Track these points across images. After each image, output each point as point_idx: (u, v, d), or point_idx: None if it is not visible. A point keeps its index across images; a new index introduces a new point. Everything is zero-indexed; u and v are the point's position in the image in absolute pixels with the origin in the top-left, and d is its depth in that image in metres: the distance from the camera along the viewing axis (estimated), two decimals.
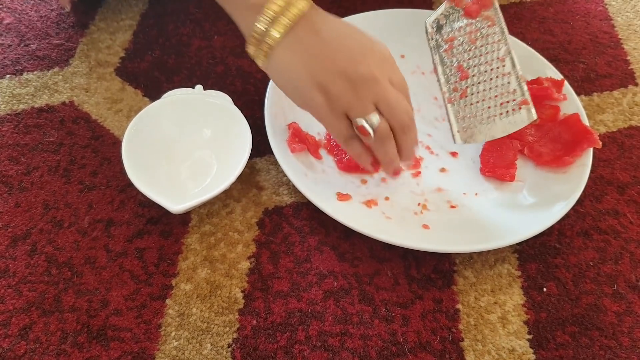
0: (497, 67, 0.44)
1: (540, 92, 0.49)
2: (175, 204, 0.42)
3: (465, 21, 0.46)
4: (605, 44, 0.61)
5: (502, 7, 0.64)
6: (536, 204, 0.45)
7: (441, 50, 0.47)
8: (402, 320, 0.41)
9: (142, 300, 0.41)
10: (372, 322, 0.40)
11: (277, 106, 0.50)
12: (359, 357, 0.39)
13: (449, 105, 0.45)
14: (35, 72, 0.56)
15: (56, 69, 0.56)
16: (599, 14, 0.65)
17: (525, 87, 0.43)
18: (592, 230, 0.46)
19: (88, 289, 0.42)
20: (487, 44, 0.45)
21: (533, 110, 0.43)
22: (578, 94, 0.54)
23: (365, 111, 0.39)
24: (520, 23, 0.63)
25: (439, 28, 0.47)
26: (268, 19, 0.38)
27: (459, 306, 0.42)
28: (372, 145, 0.41)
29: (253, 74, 0.57)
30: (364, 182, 0.47)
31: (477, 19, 0.45)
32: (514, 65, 0.44)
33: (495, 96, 0.44)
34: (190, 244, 0.44)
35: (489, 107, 0.44)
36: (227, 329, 0.40)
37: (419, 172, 0.48)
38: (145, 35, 0.60)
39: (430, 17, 0.48)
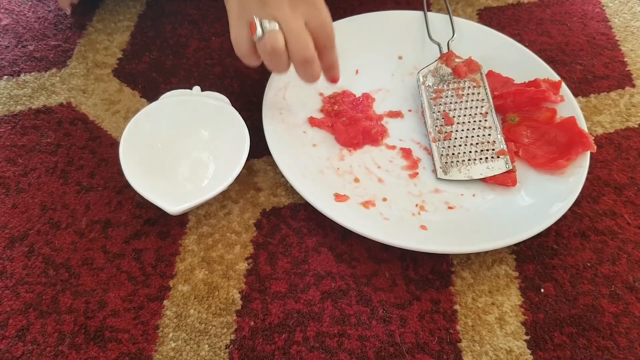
0: (480, 121, 0.49)
1: (538, 95, 0.49)
2: (173, 205, 0.42)
3: (453, 79, 0.51)
4: (603, 45, 0.62)
5: (499, 8, 0.65)
6: (533, 204, 0.45)
7: (429, 99, 0.51)
8: (400, 321, 0.41)
9: (140, 302, 0.41)
10: (369, 323, 0.40)
11: (274, 107, 0.50)
12: (356, 358, 0.39)
13: (433, 144, 0.49)
14: (32, 74, 0.56)
15: (53, 70, 0.56)
16: (596, 15, 0.65)
17: (503, 140, 0.48)
18: (590, 231, 0.46)
19: (85, 290, 0.42)
20: (472, 100, 0.50)
21: (509, 161, 0.47)
22: (575, 95, 0.54)
23: (265, 17, 0.41)
24: (517, 25, 0.63)
25: (430, 79, 0.52)
26: None
27: (457, 307, 0.42)
28: (260, 52, 0.42)
29: (251, 75, 0.57)
30: (356, 180, 0.47)
31: (464, 79, 0.50)
32: (494, 121, 0.49)
33: (477, 143, 0.48)
34: (187, 245, 0.44)
35: (469, 151, 0.48)
36: (225, 330, 0.40)
37: (417, 173, 0.48)
38: (142, 36, 0.60)
39: (422, 69, 0.52)
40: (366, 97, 0.53)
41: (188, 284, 0.42)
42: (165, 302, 0.41)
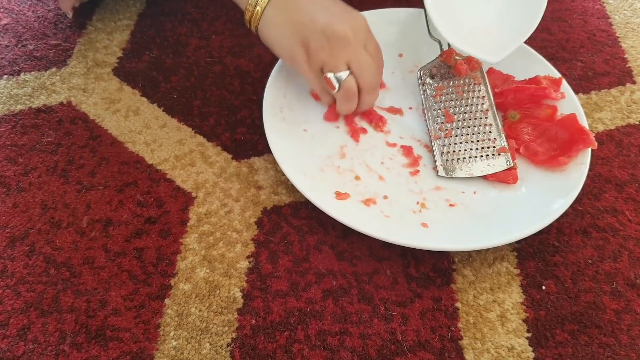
0: (480, 118, 0.49)
1: (539, 92, 0.49)
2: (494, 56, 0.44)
3: (454, 76, 0.51)
4: (603, 42, 0.61)
5: None
6: (535, 202, 0.45)
7: (430, 96, 0.51)
8: (402, 319, 0.41)
9: (141, 300, 0.41)
10: (371, 321, 0.40)
11: (275, 106, 0.50)
12: (358, 356, 0.39)
13: (434, 142, 0.49)
14: (32, 73, 0.56)
15: (53, 69, 0.56)
16: (597, 12, 0.65)
17: (504, 137, 0.48)
18: (591, 228, 0.46)
19: (86, 289, 0.42)
20: (473, 97, 0.50)
21: (510, 159, 0.47)
22: (576, 92, 0.54)
23: (336, 67, 0.45)
24: None
25: (430, 77, 0.52)
26: None
27: (458, 304, 0.42)
28: (337, 97, 0.47)
29: (251, 74, 0.56)
30: (357, 178, 0.47)
31: (465, 76, 0.50)
32: (495, 119, 0.49)
33: (477, 141, 0.48)
34: (188, 243, 0.44)
35: (470, 149, 0.48)
36: (226, 328, 0.40)
37: (418, 171, 0.48)
38: (142, 35, 0.60)
39: (422, 67, 0.52)
40: None
41: (189, 283, 0.42)
42: (167, 301, 0.41)
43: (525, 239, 0.45)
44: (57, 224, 0.45)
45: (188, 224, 0.45)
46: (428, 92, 0.51)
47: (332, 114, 0.51)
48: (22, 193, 0.47)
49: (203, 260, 0.43)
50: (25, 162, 0.49)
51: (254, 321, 0.40)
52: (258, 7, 0.45)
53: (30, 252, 0.44)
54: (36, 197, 0.47)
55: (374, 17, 0.56)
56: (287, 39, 0.45)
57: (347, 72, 0.45)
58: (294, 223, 0.46)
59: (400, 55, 0.56)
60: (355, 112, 0.50)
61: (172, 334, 0.40)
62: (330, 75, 0.45)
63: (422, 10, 0.57)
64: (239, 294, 0.42)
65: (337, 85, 0.45)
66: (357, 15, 0.46)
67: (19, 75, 0.56)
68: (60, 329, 0.40)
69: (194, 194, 0.47)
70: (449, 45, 0.52)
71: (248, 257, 0.44)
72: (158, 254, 0.43)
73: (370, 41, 0.46)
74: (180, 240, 0.44)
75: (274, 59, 0.53)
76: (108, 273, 0.42)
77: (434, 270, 0.43)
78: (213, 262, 0.43)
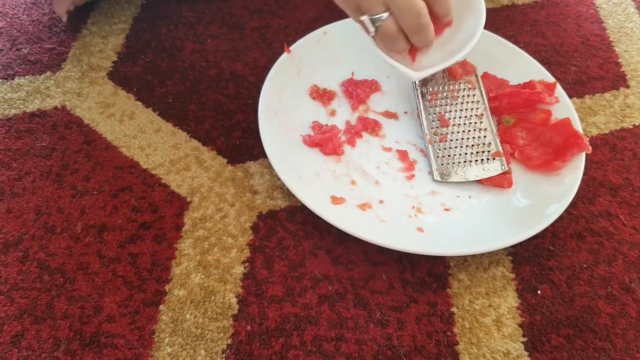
0: (475, 123, 0.49)
1: (533, 96, 0.49)
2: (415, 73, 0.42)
3: (449, 80, 0.51)
4: (597, 46, 0.62)
5: (494, 10, 0.65)
6: (529, 206, 0.45)
7: (425, 100, 0.51)
8: (397, 324, 0.41)
9: (136, 307, 0.41)
10: (367, 327, 0.40)
11: (270, 110, 0.50)
12: None
13: (429, 146, 0.49)
14: (27, 77, 0.56)
15: (48, 73, 0.56)
16: (590, 16, 0.65)
17: (499, 142, 0.48)
18: (586, 232, 0.46)
19: (81, 295, 0.41)
20: (467, 102, 0.50)
21: (505, 163, 0.47)
22: (570, 96, 0.54)
23: (370, 9, 0.40)
24: (512, 26, 0.63)
25: (425, 82, 0.51)
26: None
27: (454, 309, 0.42)
28: (378, 42, 0.42)
29: (246, 78, 0.56)
30: (353, 182, 0.47)
31: (460, 81, 0.50)
32: (490, 123, 0.49)
33: (472, 145, 0.48)
34: (183, 249, 0.44)
35: (465, 153, 0.48)
36: (222, 334, 0.40)
37: (413, 175, 0.48)
38: (138, 39, 0.60)
39: None
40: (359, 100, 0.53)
41: (184, 289, 0.42)
42: (161, 307, 0.41)
43: (520, 243, 0.45)
44: (51, 229, 0.45)
45: (183, 229, 0.45)
46: (423, 96, 0.51)
47: (311, 141, 0.49)
48: (16, 198, 0.47)
49: (198, 266, 0.43)
50: (19, 167, 0.49)
51: (249, 327, 0.40)
52: None
53: (24, 258, 0.43)
54: (30, 202, 0.46)
55: None
56: None
57: (387, 14, 0.39)
58: (289, 228, 0.46)
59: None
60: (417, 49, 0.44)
61: (167, 340, 0.39)
62: (364, 17, 0.40)
63: None
64: (234, 300, 0.41)
65: (372, 30, 0.40)
66: None
67: (13, 79, 0.55)
68: (54, 336, 0.39)
69: (189, 199, 0.47)
70: None
71: (243, 262, 0.44)
72: (153, 260, 0.43)
73: None
74: (175, 245, 0.44)
75: (269, 63, 0.53)
76: (102, 279, 0.42)
77: (429, 274, 0.43)
78: (208, 268, 0.43)
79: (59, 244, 0.44)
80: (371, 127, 0.51)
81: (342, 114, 0.52)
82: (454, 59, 0.45)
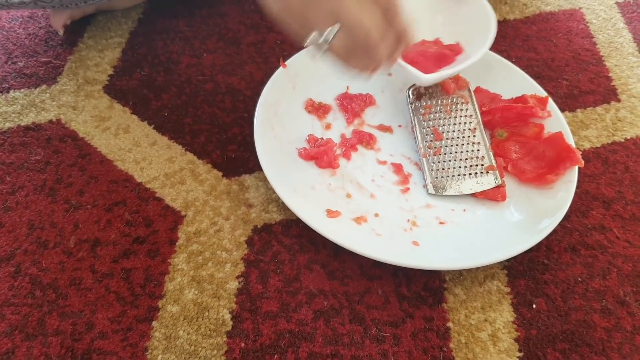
0: (469, 136, 0.50)
1: (525, 111, 0.49)
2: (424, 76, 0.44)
3: (442, 94, 0.51)
4: (588, 61, 0.63)
5: None
6: (523, 219, 0.45)
7: (419, 114, 0.51)
8: (393, 339, 0.40)
9: (128, 323, 0.40)
10: (363, 343, 0.40)
11: (266, 123, 0.50)
12: None
13: (423, 159, 0.49)
14: (22, 90, 0.55)
15: (43, 86, 0.56)
16: (581, 32, 0.66)
17: (492, 155, 0.48)
18: (580, 245, 0.46)
19: (73, 311, 0.41)
20: (461, 116, 0.50)
21: (498, 176, 0.47)
22: (562, 110, 0.55)
23: (318, 25, 0.36)
24: (504, 41, 0.64)
25: (419, 96, 0.52)
26: None
27: (450, 324, 0.41)
28: (332, 57, 0.38)
29: (242, 92, 0.57)
30: (348, 195, 0.47)
31: (453, 95, 0.51)
32: (483, 137, 0.49)
33: (466, 159, 0.49)
34: (177, 264, 0.44)
35: (459, 166, 0.48)
36: (215, 352, 0.39)
37: (408, 188, 0.49)
38: (134, 52, 0.60)
39: (411, 86, 0.52)
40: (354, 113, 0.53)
41: (177, 305, 0.41)
42: (154, 323, 0.40)
43: (515, 257, 0.45)
44: (44, 244, 0.44)
45: (177, 244, 0.45)
46: (417, 110, 0.52)
47: (307, 154, 0.49)
48: (9, 212, 0.46)
49: (192, 281, 0.43)
50: (12, 181, 0.48)
51: (243, 344, 0.40)
52: None
53: (16, 273, 0.43)
54: (23, 216, 0.46)
55: None
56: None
57: (336, 27, 0.35)
58: (284, 242, 0.46)
59: (390, 74, 0.57)
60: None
61: (159, 357, 0.39)
62: (311, 37, 0.36)
63: None
64: (228, 316, 0.41)
65: (323, 48, 0.36)
66: None
67: (8, 92, 0.55)
68: (46, 353, 0.39)
69: (183, 213, 0.47)
70: None
71: (238, 277, 0.43)
72: (146, 275, 0.43)
73: None
74: (169, 260, 0.44)
75: (265, 77, 0.54)
76: (95, 295, 0.42)
77: (425, 289, 0.43)
78: (202, 283, 0.43)
79: (52, 259, 0.44)
80: (366, 140, 0.51)
81: (337, 128, 0.53)
82: (464, 65, 0.46)
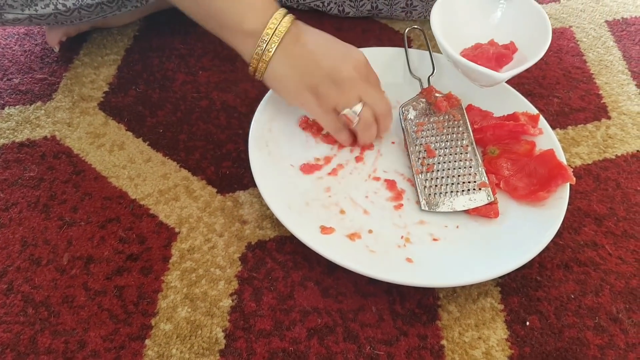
0: (461, 153, 0.50)
1: (517, 128, 0.50)
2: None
3: (434, 112, 0.52)
4: (578, 78, 0.64)
5: None
6: (516, 236, 0.45)
7: (412, 131, 0.52)
8: (388, 358, 0.40)
9: (121, 341, 0.40)
10: None
11: (261, 140, 0.50)
12: None
13: (416, 176, 0.50)
14: (17, 107, 0.56)
15: (39, 103, 0.56)
16: (571, 50, 0.68)
17: (484, 172, 0.49)
18: (572, 262, 0.47)
19: (65, 329, 0.41)
20: (453, 133, 0.51)
21: (491, 193, 0.48)
22: (553, 127, 0.55)
23: (349, 103, 0.47)
24: None
25: (412, 113, 0.53)
26: (265, 41, 0.45)
27: (444, 342, 0.41)
28: (357, 130, 0.49)
29: (237, 108, 0.57)
30: (342, 212, 0.47)
31: (445, 113, 0.52)
32: (475, 154, 0.50)
33: (459, 175, 0.49)
34: (170, 281, 0.44)
35: (452, 183, 0.49)
36: None
37: (402, 205, 0.49)
38: (129, 70, 0.60)
39: (404, 104, 0.53)
40: None
41: (170, 323, 0.41)
42: (147, 342, 0.40)
43: (508, 274, 0.45)
44: (37, 261, 0.44)
45: (170, 261, 0.45)
46: (410, 127, 0.52)
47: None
48: (2, 229, 0.46)
49: (185, 299, 0.43)
50: (6, 197, 0.48)
51: None
52: (263, 60, 0.45)
53: (8, 290, 0.42)
54: (16, 233, 0.46)
55: None
56: (295, 88, 0.47)
57: (361, 105, 0.47)
58: (278, 258, 0.46)
59: (383, 92, 0.57)
60: (379, 136, 0.52)
61: None
62: (347, 111, 0.47)
63: (403, 49, 0.59)
64: (221, 334, 0.41)
65: (356, 119, 0.47)
66: (357, 53, 0.48)
67: (3, 109, 0.55)
68: None
69: (177, 229, 0.47)
70: (429, 82, 0.54)
71: (231, 294, 0.43)
72: (139, 292, 0.43)
73: (371, 74, 0.49)
74: (162, 277, 0.44)
75: (260, 94, 0.54)
76: (88, 312, 0.41)
77: (419, 306, 0.43)
78: (195, 301, 0.43)
79: (45, 276, 0.43)
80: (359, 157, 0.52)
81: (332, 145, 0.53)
82: (530, 63, 0.48)
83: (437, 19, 0.50)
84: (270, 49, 0.45)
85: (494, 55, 0.50)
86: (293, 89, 0.47)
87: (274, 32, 0.44)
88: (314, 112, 0.48)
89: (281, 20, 0.45)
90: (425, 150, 0.51)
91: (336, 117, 0.48)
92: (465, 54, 0.51)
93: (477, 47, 0.52)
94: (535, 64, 0.49)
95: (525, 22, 0.51)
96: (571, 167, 0.51)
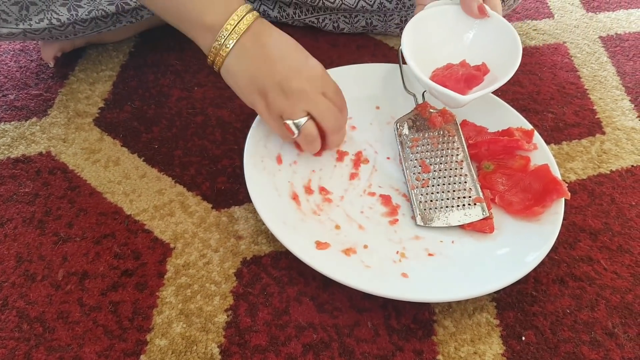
0: (456, 169, 0.50)
1: (512, 143, 0.50)
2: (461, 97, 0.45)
3: (429, 128, 0.52)
4: (572, 94, 0.64)
5: None
6: (512, 251, 0.45)
7: (406, 147, 0.52)
8: None
9: (116, 357, 0.40)
10: None
11: (256, 155, 0.50)
12: None
13: (411, 191, 0.50)
14: (12, 123, 0.56)
15: (34, 119, 0.56)
16: (565, 65, 0.68)
17: (479, 187, 0.49)
18: (567, 277, 0.47)
19: (60, 345, 0.40)
20: (447, 149, 0.51)
21: (486, 208, 0.48)
22: (548, 142, 0.56)
23: (294, 115, 0.46)
24: None
25: (406, 129, 0.53)
26: (223, 36, 0.44)
27: (440, 357, 0.41)
28: (298, 141, 0.49)
29: (232, 124, 0.57)
30: (337, 227, 0.47)
31: (439, 128, 0.52)
32: (470, 169, 0.50)
33: (454, 190, 0.49)
34: (165, 297, 0.43)
35: (447, 198, 0.49)
36: None
37: (397, 220, 0.49)
38: (125, 85, 0.61)
39: (399, 119, 0.54)
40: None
41: (165, 338, 0.41)
42: (142, 357, 0.40)
43: (503, 289, 0.45)
44: (32, 276, 0.44)
45: (165, 276, 0.45)
46: (405, 143, 0.52)
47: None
48: None
49: (180, 315, 0.42)
50: (1, 213, 0.48)
51: None
52: (220, 55, 0.45)
53: (3, 306, 0.42)
54: (11, 249, 0.46)
55: (353, 72, 0.58)
56: (247, 88, 0.47)
57: (306, 118, 0.46)
58: (273, 274, 0.46)
59: (378, 107, 0.58)
60: (323, 149, 0.52)
61: None
62: (289, 122, 0.46)
63: (397, 65, 0.59)
64: (216, 350, 0.41)
65: (296, 132, 0.47)
66: (314, 65, 0.47)
67: None
68: None
69: (172, 245, 0.47)
70: (423, 98, 0.54)
71: (226, 310, 0.43)
72: (134, 308, 0.43)
73: (328, 86, 0.48)
74: (157, 293, 0.44)
75: (255, 110, 0.54)
76: (83, 328, 0.41)
77: (414, 321, 0.43)
78: (190, 316, 0.42)
79: (39, 292, 0.43)
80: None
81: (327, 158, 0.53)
82: (500, 83, 0.47)
83: (409, 38, 0.49)
84: (228, 45, 0.44)
85: (463, 76, 0.50)
86: (244, 89, 0.47)
87: (234, 27, 0.44)
88: (262, 114, 0.48)
89: (243, 17, 0.44)
90: (420, 166, 0.51)
91: (282, 124, 0.47)
92: (436, 74, 0.50)
93: (449, 67, 0.51)
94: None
95: (498, 43, 0.50)
96: (566, 182, 0.52)
